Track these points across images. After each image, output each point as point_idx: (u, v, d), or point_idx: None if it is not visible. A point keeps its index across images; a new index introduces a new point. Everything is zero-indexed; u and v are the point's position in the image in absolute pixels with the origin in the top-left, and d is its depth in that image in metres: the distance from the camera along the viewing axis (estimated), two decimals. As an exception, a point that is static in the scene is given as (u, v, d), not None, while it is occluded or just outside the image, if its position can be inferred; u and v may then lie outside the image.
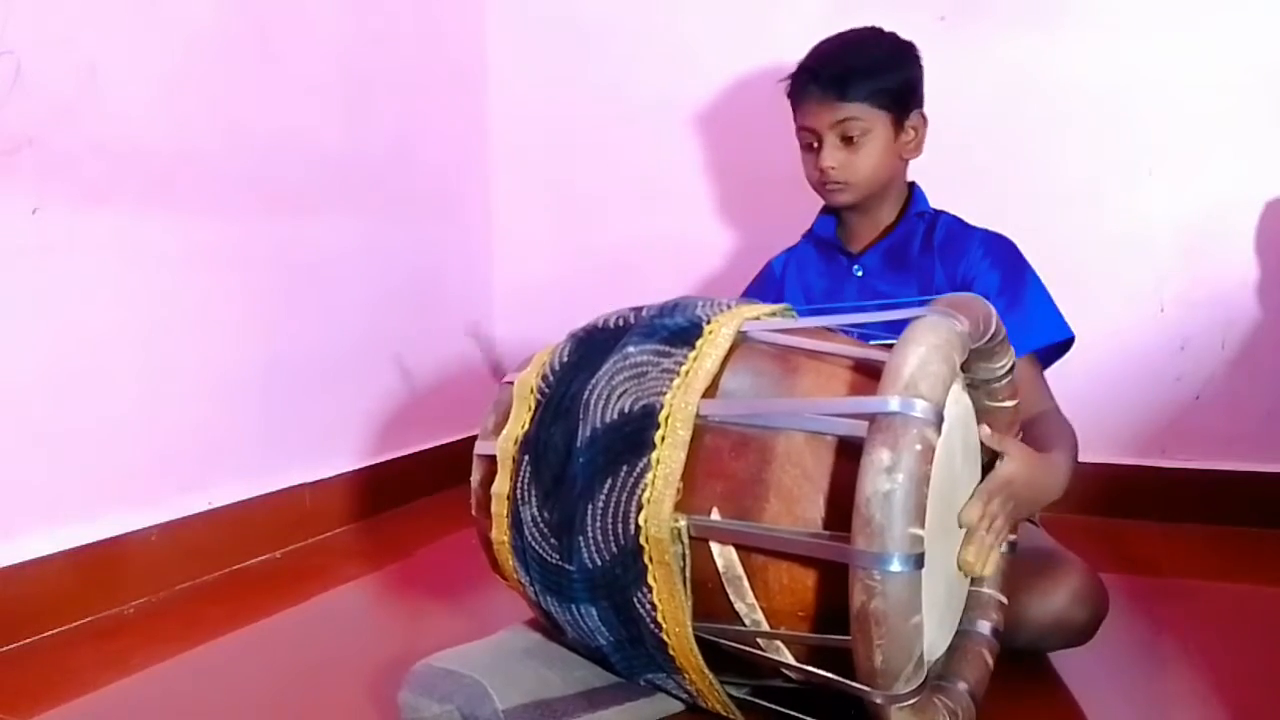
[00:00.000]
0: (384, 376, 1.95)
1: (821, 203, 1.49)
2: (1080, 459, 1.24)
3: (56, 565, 1.32)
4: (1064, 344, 1.36)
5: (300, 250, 1.72)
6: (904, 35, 1.41)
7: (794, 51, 2.00)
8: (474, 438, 1.08)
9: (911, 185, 1.46)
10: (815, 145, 1.38)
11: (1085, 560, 1.17)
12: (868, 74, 1.35)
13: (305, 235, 1.73)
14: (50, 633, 1.30)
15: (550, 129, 2.22)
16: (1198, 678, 1.19)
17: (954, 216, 1.44)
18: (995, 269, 1.36)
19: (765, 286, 1.54)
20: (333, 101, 1.79)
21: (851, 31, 1.42)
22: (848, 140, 1.36)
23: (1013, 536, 1.09)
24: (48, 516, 1.32)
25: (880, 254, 1.43)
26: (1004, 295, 1.34)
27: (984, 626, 1.04)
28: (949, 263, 1.39)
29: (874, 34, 1.41)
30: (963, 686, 0.96)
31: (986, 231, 1.41)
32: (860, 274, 1.44)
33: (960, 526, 0.98)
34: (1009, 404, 1.06)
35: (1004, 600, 1.07)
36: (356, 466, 1.87)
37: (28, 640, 1.27)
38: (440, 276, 2.13)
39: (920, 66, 1.40)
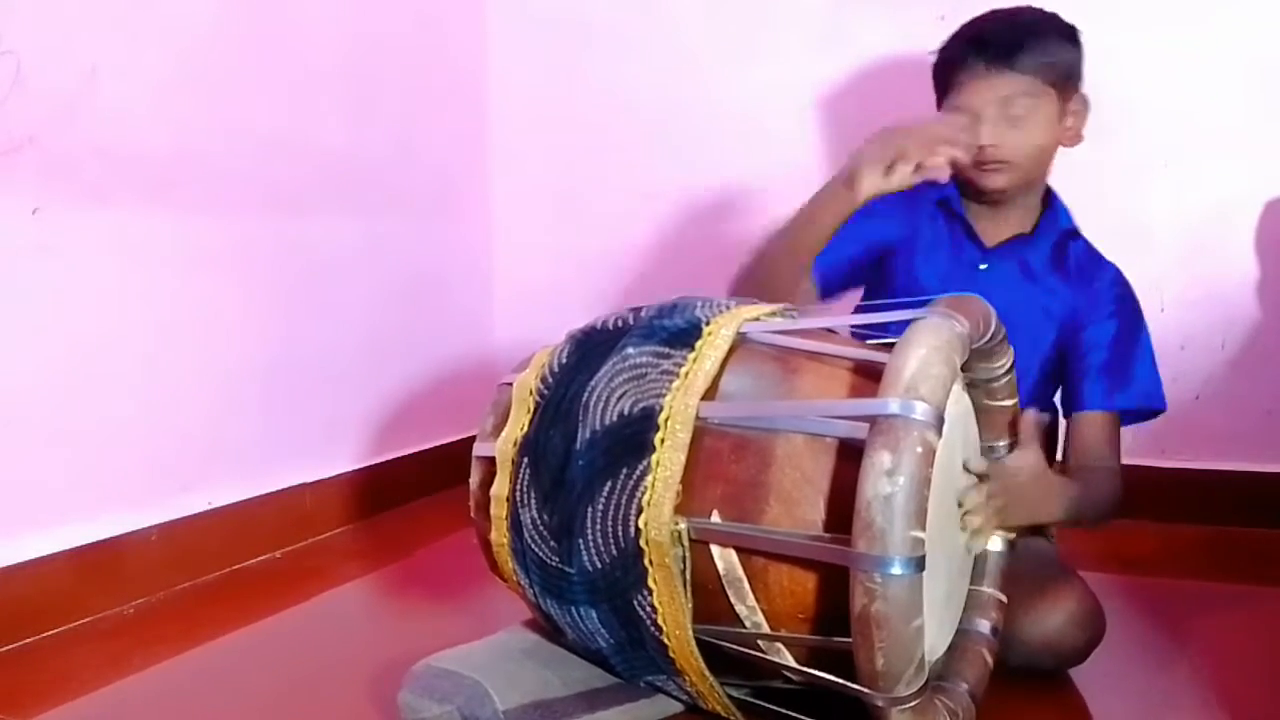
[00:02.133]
0: (384, 376, 1.95)
1: None
2: (1116, 490, 1.23)
3: (56, 565, 1.32)
4: (1153, 411, 1.33)
5: (301, 251, 1.72)
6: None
7: (795, 51, 2.01)
8: (473, 438, 1.08)
9: (1050, 191, 1.37)
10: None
11: (1083, 560, 1.17)
12: (1038, 44, 1.25)
13: (306, 236, 1.73)
14: (50, 633, 1.30)
15: (551, 130, 2.22)
16: (1196, 678, 1.19)
17: (1085, 241, 1.36)
18: (1115, 318, 1.31)
19: (898, 223, 1.38)
20: (333, 102, 1.79)
21: (1011, 7, 1.32)
22: (1012, 117, 1.25)
23: (1011, 535, 1.09)
24: (48, 516, 1.32)
25: (1015, 258, 1.33)
26: (1113, 348, 1.29)
27: (983, 626, 1.04)
28: (1078, 292, 1.32)
29: (1036, 9, 1.31)
30: (963, 687, 0.96)
31: (1118, 271, 1.34)
32: (985, 268, 1.34)
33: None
34: (1008, 403, 1.06)
35: (1003, 599, 1.07)
36: (356, 467, 1.87)
37: (28, 640, 1.27)
38: (440, 276, 2.13)
39: (1082, 48, 1.30)
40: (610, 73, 2.15)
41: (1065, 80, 1.28)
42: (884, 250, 1.38)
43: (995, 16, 1.30)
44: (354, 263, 1.85)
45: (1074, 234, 1.36)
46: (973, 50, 1.27)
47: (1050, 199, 1.37)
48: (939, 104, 1.36)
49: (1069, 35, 1.29)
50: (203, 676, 1.21)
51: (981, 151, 1.25)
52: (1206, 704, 1.12)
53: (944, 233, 1.37)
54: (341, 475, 1.83)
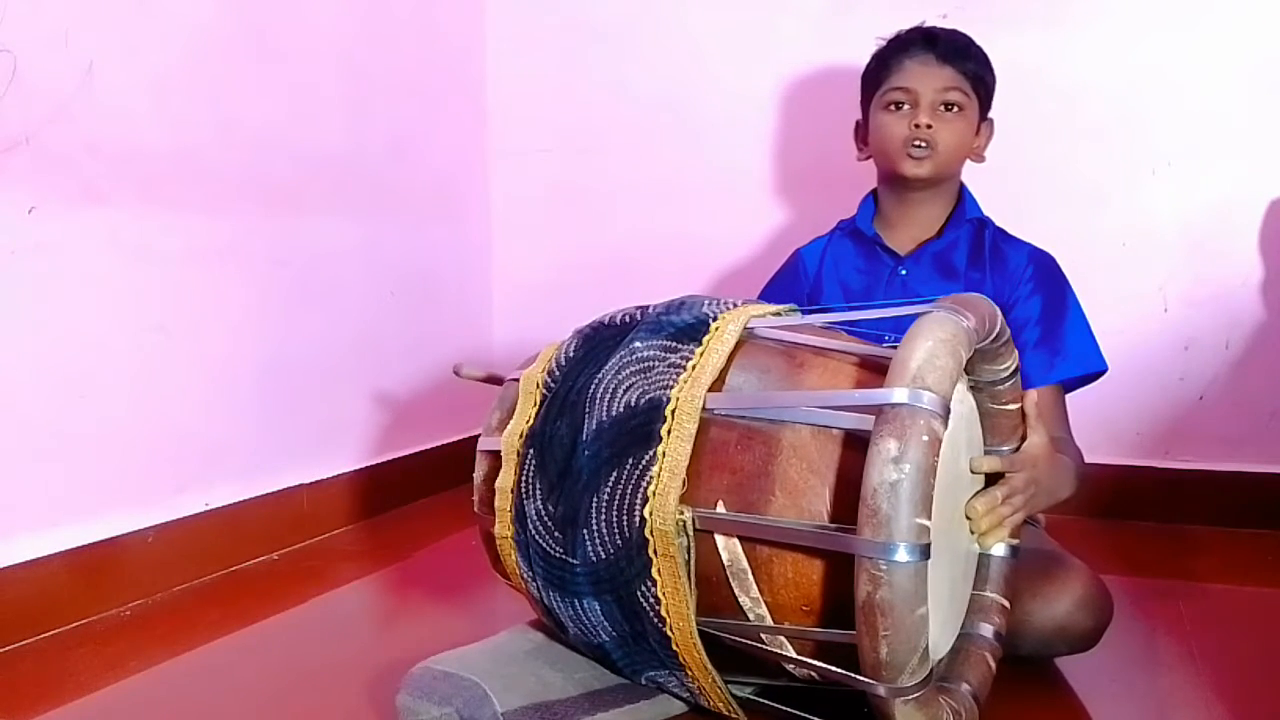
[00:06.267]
0: (382, 377, 1.95)
1: (854, 198, 1.48)
2: (1084, 460, 1.25)
3: (53, 566, 1.31)
4: (1096, 373, 1.36)
5: (299, 250, 1.72)
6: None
7: (795, 49, 2.01)
8: (473, 438, 1.08)
9: (962, 187, 1.43)
10: (908, 107, 1.35)
11: (1089, 563, 1.17)
12: (978, 57, 1.38)
13: (304, 235, 1.73)
14: (47, 634, 1.29)
15: (550, 128, 2.22)
16: (1202, 680, 1.17)
17: (999, 227, 1.41)
18: (1037, 294, 1.35)
19: (797, 279, 1.48)
20: (332, 100, 1.78)
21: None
22: (947, 107, 1.35)
23: (1015, 541, 1.08)
24: (44, 517, 1.31)
25: (930, 259, 1.39)
26: (1042, 323, 1.33)
27: (986, 630, 1.03)
28: (996, 278, 1.36)
29: None
30: (966, 688, 0.95)
31: (1032, 249, 1.39)
32: (904, 274, 1.39)
33: (968, 518, 0.99)
34: (1012, 407, 1.05)
35: (1006, 604, 1.06)
36: (355, 467, 1.86)
37: (24, 642, 1.26)
38: (440, 276, 2.12)
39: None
40: (610, 71, 2.15)
41: (986, 100, 1.40)
42: (814, 296, 1.46)
43: (943, 28, 1.41)
44: (352, 262, 1.85)
45: (983, 222, 1.41)
46: (925, 42, 1.37)
47: (961, 197, 1.42)
48: (866, 97, 1.43)
49: (992, 66, 1.40)
50: (200, 679, 1.20)
51: (916, 130, 1.33)
52: (1211, 706, 1.11)
53: (855, 253, 1.45)
54: (340, 476, 1.82)
